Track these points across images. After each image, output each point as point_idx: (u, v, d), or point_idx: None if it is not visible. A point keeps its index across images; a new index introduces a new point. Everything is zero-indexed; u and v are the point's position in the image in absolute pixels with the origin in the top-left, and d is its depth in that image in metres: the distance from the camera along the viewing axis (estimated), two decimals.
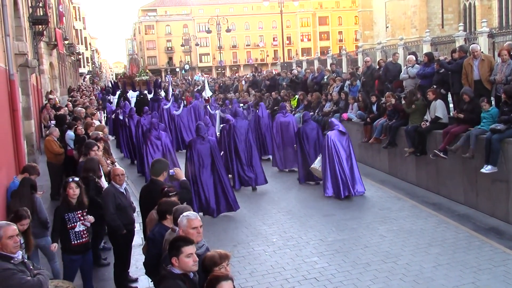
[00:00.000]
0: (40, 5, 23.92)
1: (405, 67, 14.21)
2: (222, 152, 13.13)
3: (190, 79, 49.88)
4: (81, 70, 67.34)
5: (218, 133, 15.46)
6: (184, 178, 7.16)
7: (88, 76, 74.59)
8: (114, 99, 26.72)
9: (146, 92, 25.68)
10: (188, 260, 4.24)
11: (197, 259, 4.34)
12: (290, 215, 10.99)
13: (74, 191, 6.79)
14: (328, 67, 22.30)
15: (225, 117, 15.13)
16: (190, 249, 4.27)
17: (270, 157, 16.34)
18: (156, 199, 6.26)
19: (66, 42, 44.14)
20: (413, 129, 12.42)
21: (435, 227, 9.86)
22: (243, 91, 27.47)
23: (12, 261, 4.68)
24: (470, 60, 11.22)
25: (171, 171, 7.26)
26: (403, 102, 13.13)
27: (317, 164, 12.63)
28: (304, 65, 32.41)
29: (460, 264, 8.06)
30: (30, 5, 22.50)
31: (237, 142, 13.28)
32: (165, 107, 20.16)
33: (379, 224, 10.10)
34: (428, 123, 12.10)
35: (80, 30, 69.62)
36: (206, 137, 11.33)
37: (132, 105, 21.81)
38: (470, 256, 8.34)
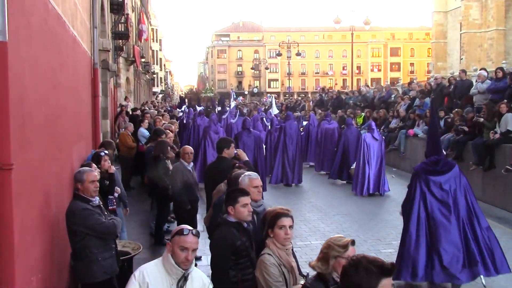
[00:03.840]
0: (122, 21, 25.37)
1: (476, 82, 14.05)
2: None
3: (258, 103, 50.79)
4: (154, 89, 69.95)
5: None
6: (247, 158, 7.48)
7: (160, 95, 77.44)
8: (179, 112, 27.74)
9: (210, 107, 26.70)
10: (243, 210, 4.46)
11: (252, 209, 4.57)
12: (349, 217, 11.12)
13: (108, 163, 7.02)
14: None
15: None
16: (245, 200, 4.51)
17: (310, 164, 18.06)
18: (222, 174, 6.59)
19: (143, 60, 46.19)
20: (481, 143, 12.23)
21: (498, 237, 9.57)
22: (309, 110, 27.81)
23: (91, 203, 5.15)
24: None
25: (234, 151, 7.59)
26: (481, 119, 12.73)
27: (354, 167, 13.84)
28: None
29: None
30: (112, 19, 23.86)
31: (286, 141, 14.54)
32: (223, 116, 21.00)
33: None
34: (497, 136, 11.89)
35: (156, 51, 72.66)
36: (252, 131, 12.48)
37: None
38: None
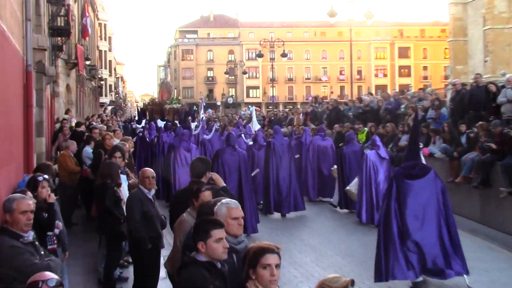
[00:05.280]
0: (62, 13, 25.22)
1: (504, 89, 14.35)
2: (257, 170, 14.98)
3: (235, 116, 51.08)
4: (102, 99, 69.66)
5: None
6: (224, 184, 7.47)
7: (109, 108, 77.19)
8: (139, 128, 27.62)
9: (176, 122, 26.74)
10: (217, 246, 4.43)
11: (227, 245, 4.55)
12: (351, 258, 11.18)
13: (47, 190, 7.03)
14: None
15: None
16: (220, 233, 4.48)
17: None
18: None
19: (88, 62, 46.06)
20: None
21: None
22: (299, 125, 27.84)
23: (21, 239, 5.09)
24: None
25: (209, 175, 7.57)
26: None
27: (353, 187, 14.12)
28: None
29: None
30: (50, 12, 23.64)
31: (277, 161, 14.97)
32: (194, 132, 21.11)
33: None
34: None
35: (105, 51, 72.42)
36: (236, 148, 12.65)
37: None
38: None
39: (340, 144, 20.64)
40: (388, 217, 8.45)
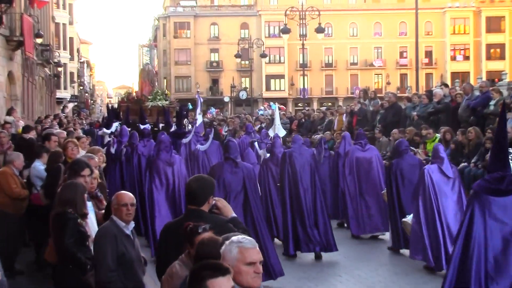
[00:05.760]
0: None
1: None
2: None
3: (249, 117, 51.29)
4: (59, 93, 69.90)
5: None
6: (234, 214, 7.54)
7: (70, 105, 77.54)
8: (107, 134, 27.59)
9: (162, 125, 26.90)
10: None
11: None
12: None
13: None
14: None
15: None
16: (221, 283, 4.50)
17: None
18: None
19: (39, 41, 46.26)
20: None
21: None
22: (341, 130, 27.76)
23: None
24: None
25: (212, 201, 7.60)
26: None
27: (410, 218, 13.99)
28: None
29: None
30: None
31: (295, 178, 14.91)
32: (184, 141, 21.30)
33: None
34: None
35: (64, 25, 72.83)
36: (239, 162, 12.68)
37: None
38: None
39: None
40: (465, 253, 8.34)
